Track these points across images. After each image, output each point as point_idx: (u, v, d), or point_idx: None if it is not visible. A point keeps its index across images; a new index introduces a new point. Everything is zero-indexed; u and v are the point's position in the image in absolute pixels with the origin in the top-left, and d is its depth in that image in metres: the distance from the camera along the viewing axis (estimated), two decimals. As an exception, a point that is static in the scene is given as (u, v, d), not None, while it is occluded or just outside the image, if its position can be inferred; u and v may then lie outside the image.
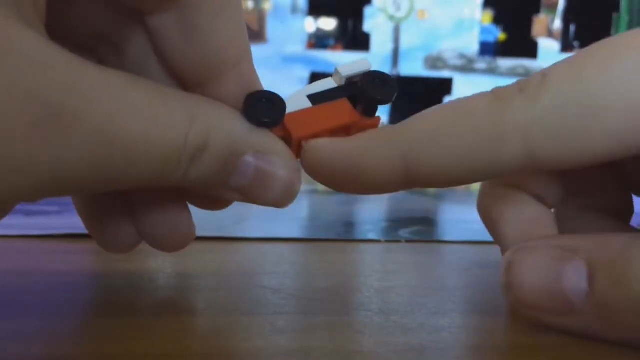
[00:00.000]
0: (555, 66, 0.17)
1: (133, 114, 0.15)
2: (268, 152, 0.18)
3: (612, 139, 0.16)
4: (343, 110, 0.20)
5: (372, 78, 0.20)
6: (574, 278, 0.16)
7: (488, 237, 0.22)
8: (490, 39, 1.05)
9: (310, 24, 0.85)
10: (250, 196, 0.18)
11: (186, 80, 0.19)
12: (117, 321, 0.18)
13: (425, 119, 0.18)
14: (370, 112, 0.20)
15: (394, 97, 0.19)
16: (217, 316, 0.19)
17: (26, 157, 0.13)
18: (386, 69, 1.13)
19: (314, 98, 0.20)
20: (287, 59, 0.86)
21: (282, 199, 0.18)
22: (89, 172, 0.14)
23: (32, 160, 0.13)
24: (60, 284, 0.21)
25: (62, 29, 0.18)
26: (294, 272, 0.25)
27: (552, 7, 1.20)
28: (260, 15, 0.83)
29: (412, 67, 0.92)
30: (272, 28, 0.85)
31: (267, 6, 0.84)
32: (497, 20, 1.12)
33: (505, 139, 0.17)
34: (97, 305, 0.19)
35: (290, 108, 0.19)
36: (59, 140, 0.14)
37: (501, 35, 1.16)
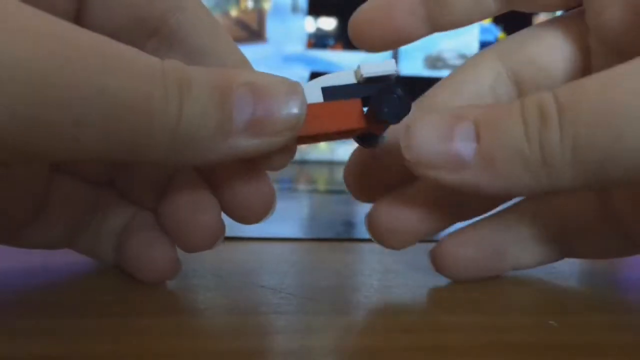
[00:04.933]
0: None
1: (93, 52, 0.14)
2: (258, 78, 0.17)
3: None
4: (352, 114, 0.19)
5: (388, 93, 0.19)
6: (464, 136, 0.18)
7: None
8: (490, 38, 1.05)
9: (310, 24, 0.85)
10: (262, 130, 0.17)
11: None
12: (117, 321, 0.18)
13: None
14: (378, 125, 0.20)
15: (403, 118, 0.19)
16: (216, 316, 0.19)
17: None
18: (386, 68, 1.13)
19: (327, 92, 0.19)
20: (287, 59, 0.86)
21: (297, 113, 0.18)
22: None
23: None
24: (62, 284, 0.21)
25: None
26: (294, 272, 0.25)
27: (552, 7, 1.20)
28: (259, 15, 0.83)
29: (412, 67, 0.92)
30: (271, 28, 0.85)
31: (267, 6, 0.84)
32: (496, 20, 1.12)
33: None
34: (97, 305, 0.19)
35: None
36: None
37: (501, 36, 1.16)
